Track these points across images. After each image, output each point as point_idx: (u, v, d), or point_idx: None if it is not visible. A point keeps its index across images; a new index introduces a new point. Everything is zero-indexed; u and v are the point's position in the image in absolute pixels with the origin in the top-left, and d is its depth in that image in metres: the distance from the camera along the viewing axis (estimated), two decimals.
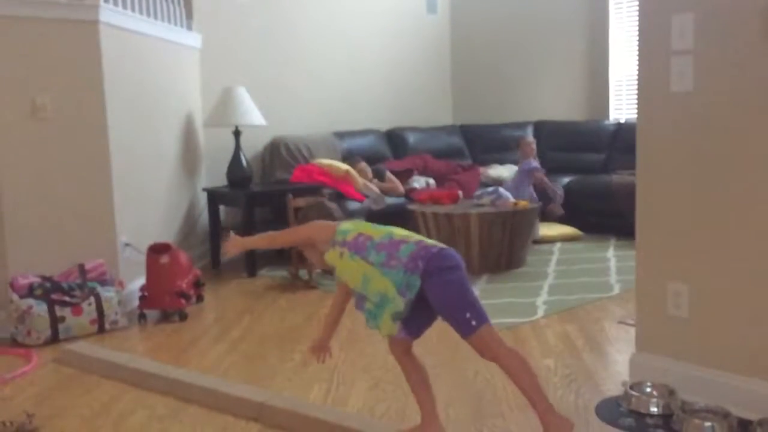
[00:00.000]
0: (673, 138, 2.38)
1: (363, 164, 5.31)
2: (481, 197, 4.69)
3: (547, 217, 5.35)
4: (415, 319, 2.03)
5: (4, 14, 3.32)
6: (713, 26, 2.26)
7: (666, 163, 2.40)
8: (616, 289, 3.88)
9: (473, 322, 1.89)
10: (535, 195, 5.27)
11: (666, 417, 2.24)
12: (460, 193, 4.98)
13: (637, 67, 2.46)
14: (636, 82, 2.47)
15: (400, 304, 1.94)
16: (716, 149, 2.28)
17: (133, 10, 3.93)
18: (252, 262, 4.58)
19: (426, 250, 1.97)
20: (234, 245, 2.21)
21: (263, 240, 2.29)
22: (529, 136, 5.77)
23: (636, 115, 2.49)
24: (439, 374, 2.73)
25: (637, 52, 2.45)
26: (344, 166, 5.15)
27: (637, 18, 2.46)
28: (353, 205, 4.91)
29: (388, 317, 1.98)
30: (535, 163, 5.34)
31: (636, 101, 2.48)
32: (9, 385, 2.77)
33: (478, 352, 1.94)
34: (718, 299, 2.32)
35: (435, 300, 1.94)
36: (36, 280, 3.36)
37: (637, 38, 2.45)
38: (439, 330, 3.27)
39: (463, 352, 2.97)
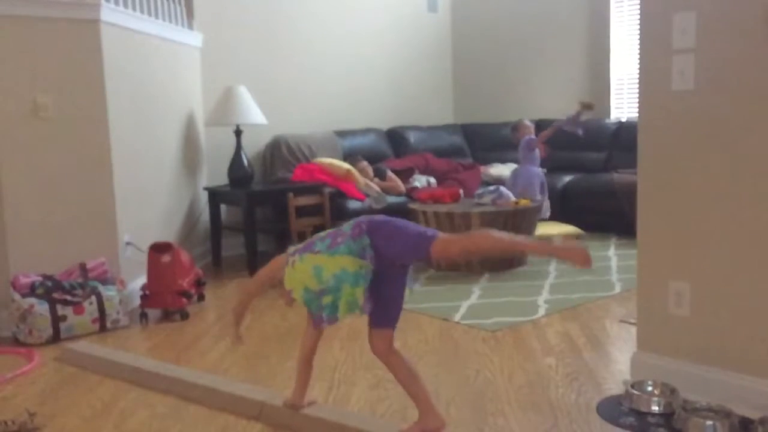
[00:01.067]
0: (674, 137, 2.37)
1: (364, 163, 5.31)
2: (482, 196, 4.69)
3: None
4: (381, 303, 2.07)
5: (5, 13, 3.32)
6: (715, 25, 2.25)
7: (667, 161, 2.40)
8: (617, 288, 3.88)
9: (428, 233, 1.99)
10: (544, 178, 5.29)
11: (667, 416, 2.24)
12: (461, 191, 4.98)
13: (638, 66, 2.46)
14: (637, 80, 2.47)
15: (369, 267, 1.99)
16: (718, 148, 2.28)
17: (134, 9, 3.93)
18: (253, 262, 4.58)
19: (364, 218, 2.10)
20: (236, 326, 2.32)
21: (244, 299, 2.33)
22: (526, 120, 5.74)
23: (637, 114, 2.49)
24: (441, 373, 2.73)
25: (638, 51, 2.45)
26: (345, 165, 5.15)
27: (638, 16, 2.46)
28: (354, 204, 4.91)
29: (350, 296, 1.99)
30: (531, 136, 5.36)
31: (637, 100, 2.48)
32: (10, 384, 2.77)
33: (450, 254, 1.99)
34: (719, 298, 2.32)
35: (388, 244, 2.01)
36: (37, 278, 3.36)
37: (638, 37, 2.45)
38: (440, 329, 3.29)
39: (464, 352, 2.98)
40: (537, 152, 5.43)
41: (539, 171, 5.35)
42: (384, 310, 2.11)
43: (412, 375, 2.16)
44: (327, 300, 2.04)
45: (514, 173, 5.45)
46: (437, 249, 1.96)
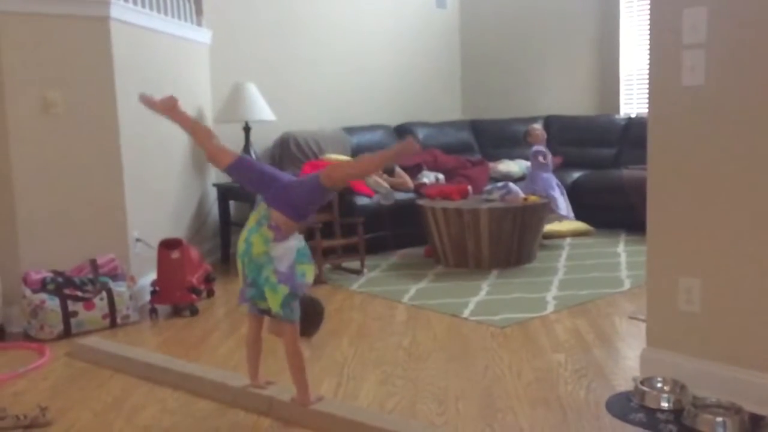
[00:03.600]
0: (684, 132, 2.36)
1: None
2: (491, 192, 4.68)
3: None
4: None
5: (15, 10, 3.34)
6: (725, 20, 2.24)
7: (677, 157, 2.39)
8: (627, 285, 3.87)
9: (313, 174, 2.32)
10: (551, 182, 5.21)
11: (677, 412, 2.23)
12: (470, 188, 4.97)
13: (648, 61, 2.45)
14: (647, 76, 2.46)
15: (262, 206, 2.27)
16: (728, 143, 2.27)
17: (143, 6, 3.94)
18: None
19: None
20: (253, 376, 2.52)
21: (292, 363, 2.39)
22: (537, 125, 5.70)
23: (647, 110, 2.48)
24: (449, 369, 2.73)
25: (649, 46, 2.44)
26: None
27: (649, 11, 2.44)
28: (363, 200, 4.92)
29: (259, 238, 2.22)
30: (538, 147, 5.27)
31: (647, 95, 2.47)
32: (22, 379, 2.79)
33: (336, 180, 2.28)
34: (730, 294, 2.31)
35: (287, 200, 2.26)
36: (48, 275, 3.39)
37: (649, 32, 2.44)
38: (449, 325, 3.29)
39: (473, 348, 2.98)
40: (549, 159, 5.32)
41: (543, 177, 5.24)
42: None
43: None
44: (244, 264, 2.25)
45: (530, 179, 5.33)
46: (325, 179, 2.23)
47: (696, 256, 2.37)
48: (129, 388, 2.66)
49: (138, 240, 3.80)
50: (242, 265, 2.27)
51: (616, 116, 6.05)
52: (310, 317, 2.36)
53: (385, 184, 5.14)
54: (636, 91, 6.06)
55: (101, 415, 2.43)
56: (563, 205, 5.21)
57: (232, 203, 5.05)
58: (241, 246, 2.27)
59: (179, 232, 4.35)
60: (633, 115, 5.97)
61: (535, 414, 2.30)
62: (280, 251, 2.21)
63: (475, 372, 2.70)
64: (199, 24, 4.91)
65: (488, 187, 4.89)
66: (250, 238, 2.24)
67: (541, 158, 5.22)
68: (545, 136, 5.34)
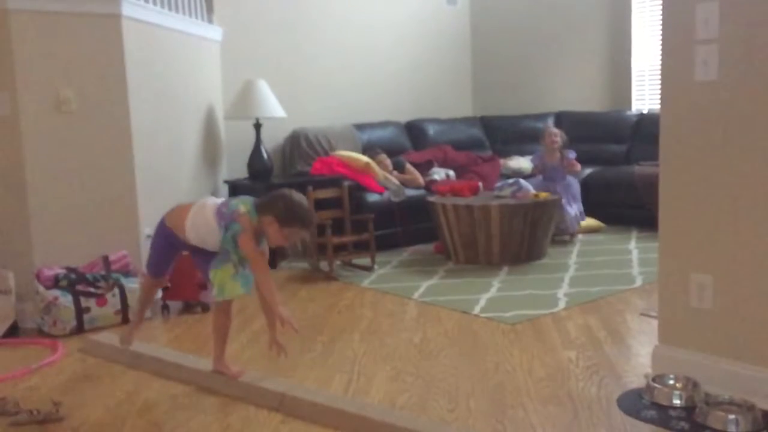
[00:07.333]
0: (697, 128, 2.35)
1: (383, 156, 5.31)
2: (502, 189, 4.67)
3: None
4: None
5: (27, 8, 3.36)
6: (738, 15, 2.22)
7: (690, 153, 2.38)
8: (638, 281, 3.85)
9: None
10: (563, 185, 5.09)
11: (689, 409, 2.22)
12: (481, 184, 4.96)
13: (660, 57, 2.43)
14: (659, 71, 2.44)
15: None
16: (741, 139, 2.25)
17: (154, 3, 3.95)
18: (272, 254, 4.59)
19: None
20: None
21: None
22: (550, 126, 5.62)
23: (659, 105, 2.46)
24: (460, 366, 2.73)
25: (661, 41, 2.42)
26: (364, 158, 5.15)
27: (661, 7, 2.43)
28: (373, 197, 4.92)
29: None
30: (536, 160, 5.14)
31: (659, 91, 2.45)
32: (36, 375, 2.81)
33: None
34: (742, 290, 2.30)
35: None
36: (61, 271, 3.41)
37: (661, 27, 2.42)
38: (460, 322, 3.29)
39: (483, 344, 2.98)
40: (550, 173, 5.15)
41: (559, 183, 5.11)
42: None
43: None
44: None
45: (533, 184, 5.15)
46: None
47: (708, 253, 2.36)
48: (141, 384, 2.68)
49: (150, 236, 3.81)
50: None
51: (628, 112, 6.02)
52: (289, 206, 2.61)
53: (396, 181, 5.14)
54: (648, 86, 6.02)
55: (114, 410, 2.44)
56: (572, 213, 5.08)
57: None
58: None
59: None
60: (645, 111, 5.93)
61: (546, 411, 2.30)
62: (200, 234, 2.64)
63: (485, 369, 2.69)
64: (210, 21, 4.92)
65: (499, 183, 4.88)
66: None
67: (538, 168, 5.14)
68: (555, 138, 5.07)
